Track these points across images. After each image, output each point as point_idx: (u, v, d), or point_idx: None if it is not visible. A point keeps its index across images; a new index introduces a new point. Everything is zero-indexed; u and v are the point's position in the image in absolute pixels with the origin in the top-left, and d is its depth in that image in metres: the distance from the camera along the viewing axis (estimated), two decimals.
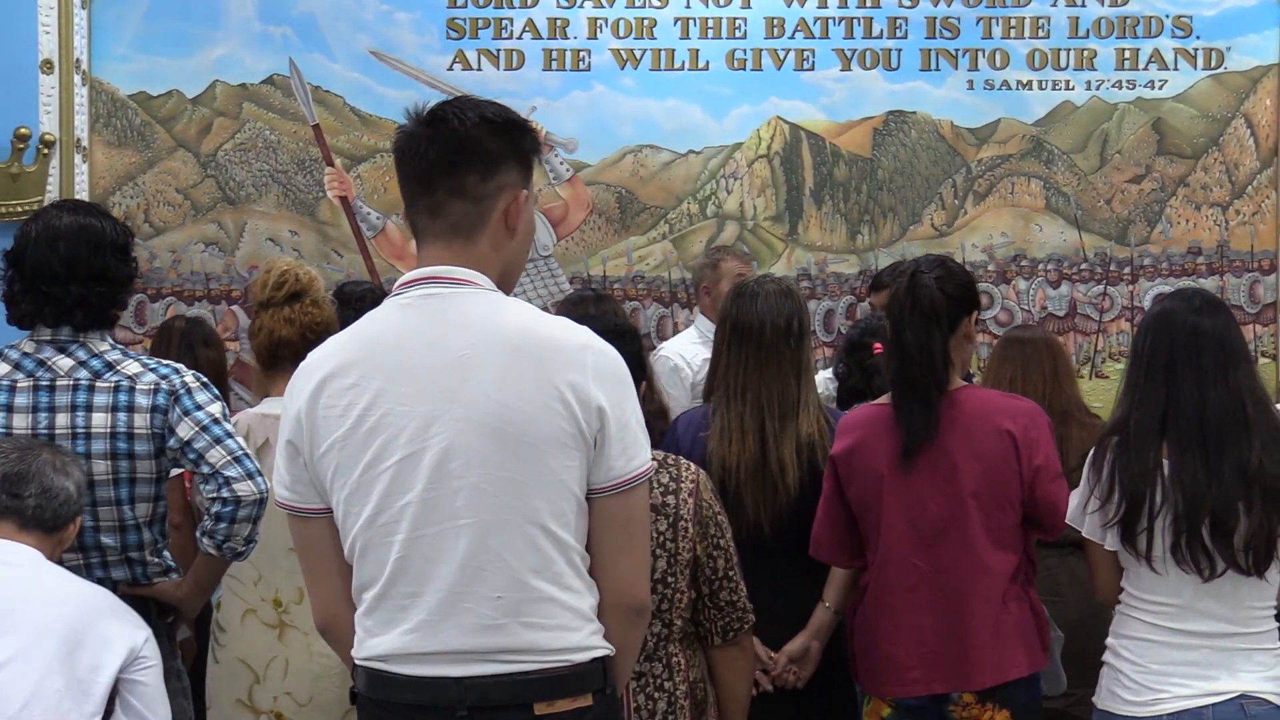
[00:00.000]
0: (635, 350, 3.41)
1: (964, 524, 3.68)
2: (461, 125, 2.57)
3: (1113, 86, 6.55)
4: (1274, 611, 3.49)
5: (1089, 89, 6.55)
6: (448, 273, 2.58)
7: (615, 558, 2.59)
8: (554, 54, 6.59)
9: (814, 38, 6.57)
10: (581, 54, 6.58)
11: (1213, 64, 6.52)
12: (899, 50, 6.56)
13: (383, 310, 2.63)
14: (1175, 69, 6.54)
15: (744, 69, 6.57)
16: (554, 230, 6.58)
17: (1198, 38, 6.53)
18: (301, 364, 2.65)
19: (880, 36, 6.56)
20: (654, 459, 3.29)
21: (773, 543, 3.89)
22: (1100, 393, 6.05)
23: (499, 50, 6.58)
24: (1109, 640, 3.57)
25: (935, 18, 6.56)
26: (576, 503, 2.54)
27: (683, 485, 3.33)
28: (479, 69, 6.57)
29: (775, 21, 6.57)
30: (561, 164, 6.58)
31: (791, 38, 6.57)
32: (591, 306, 4.75)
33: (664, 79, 6.57)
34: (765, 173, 6.59)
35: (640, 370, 3.42)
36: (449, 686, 2.50)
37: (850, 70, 6.56)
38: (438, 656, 2.51)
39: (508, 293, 2.65)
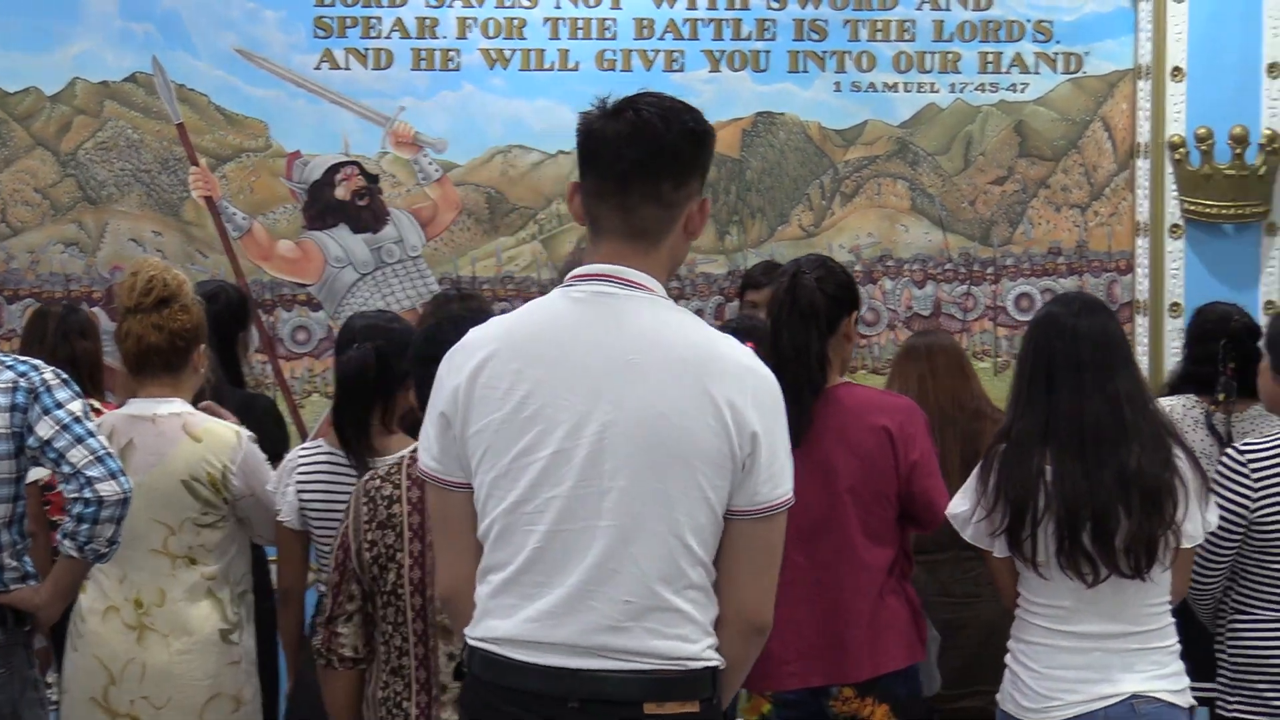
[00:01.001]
0: None
1: (841, 519, 3.71)
2: (667, 131, 2.59)
3: (976, 89, 6.65)
4: (1167, 608, 3.56)
5: (953, 91, 6.65)
6: (623, 273, 2.60)
7: (748, 579, 2.62)
8: (423, 53, 6.55)
9: (683, 39, 6.60)
10: (451, 54, 6.55)
11: (1072, 68, 6.65)
12: (767, 52, 6.61)
13: (552, 299, 2.66)
14: (1036, 73, 6.65)
15: (613, 69, 6.57)
16: (423, 231, 6.55)
17: (1058, 42, 6.65)
18: (462, 340, 2.67)
19: (749, 38, 6.61)
20: None
21: None
22: None
23: (367, 49, 6.53)
24: (1009, 643, 3.64)
25: (803, 20, 6.62)
26: (715, 520, 2.58)
27: None
28: (347, 68, 6.52)
29: (644, 23, 6.59)
30: (430, 164, 6.54)
31: (660, 39, 6.59)
32: (456, 305, 4.72)
33: (534, 79, 6.57)
34: None
35: None
36: (565, 677, 2.54)
37: (719, 71, 6.60)
38: (557, 648, 2.55)
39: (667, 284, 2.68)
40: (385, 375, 3.97)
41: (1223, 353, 4.95)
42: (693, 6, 6.59)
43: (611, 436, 2.53)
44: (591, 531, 2.54)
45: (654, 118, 2.59)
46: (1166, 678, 3.51)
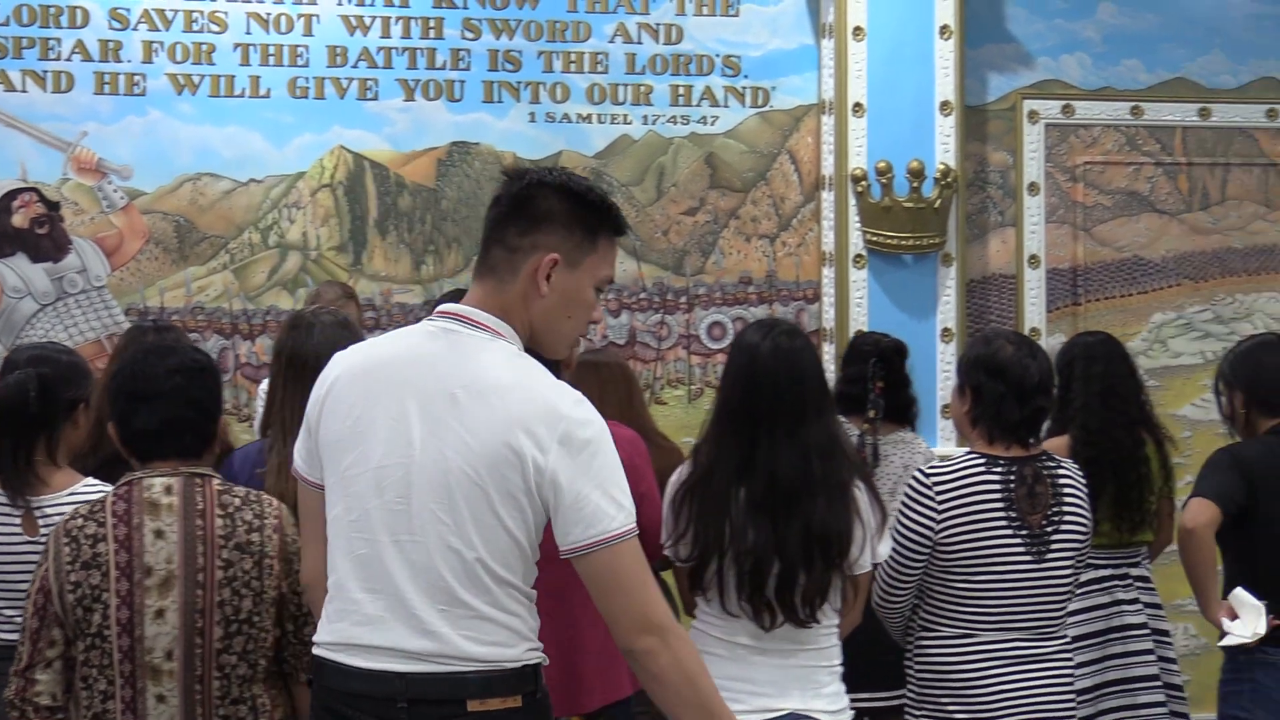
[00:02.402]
0: (212, 386, 3.42)
1: None
2: (520, 183, 2.82)
3: (668, 121, 6.79)
4: (835, 630, 3.68)
5: (646, 123, 6.77)
6: (474, 314, 2.81)
7: (603, 610, 2.77)
8: (106, 77, 6.36)
9: (377, 67, 6.56)
10: (136, 78, 6.37)
11: (760, 102, 6.84)
12: (462, 82, 6.62)
13: (412, 329, 2.91)
14: (726, 106, 6.83)
15: (306, 97, 6.50)
16: (107, 260, 6.34)
17: (746, 77, 6.84)
18: (336, 354, 2.93)
19: (443, 68, 6.61)
20: (236, 496, 3.24)
21: None
22: (660, 419, 6.18)
23: (46, 72, 6.30)
24: None
25: (497, 50, 6.66)
26: (519, 547, 2.75)
27: (267, 521, 3.29)
28: (24, 90, 6.29)
29: (338, 50, 6.53)
30: (115, 191, 6.34)
31: (354, 67, 6.54)
32: (152, 336, 4.57)
33: (224, 105, 6.44)
34: (329, 202, 6.53)
35: (217, 407, 3.42)
36: (392, 680, 2.71)
37: (413, 101, 6.58)
38: (383, 651, 2.72)
39: (548, 352, 2.90)
40: (48, 404, 3.82)
41: (872, 370, 5.13)
42: (387, 35, 6.56)
43: (427, 461, 2.71)
44: (405, 545, 2.72)
45: (519, 174, 2.87)
46: (824, 697, 3.64)
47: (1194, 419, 7.00)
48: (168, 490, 3.24)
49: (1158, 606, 5.30)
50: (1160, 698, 5.16)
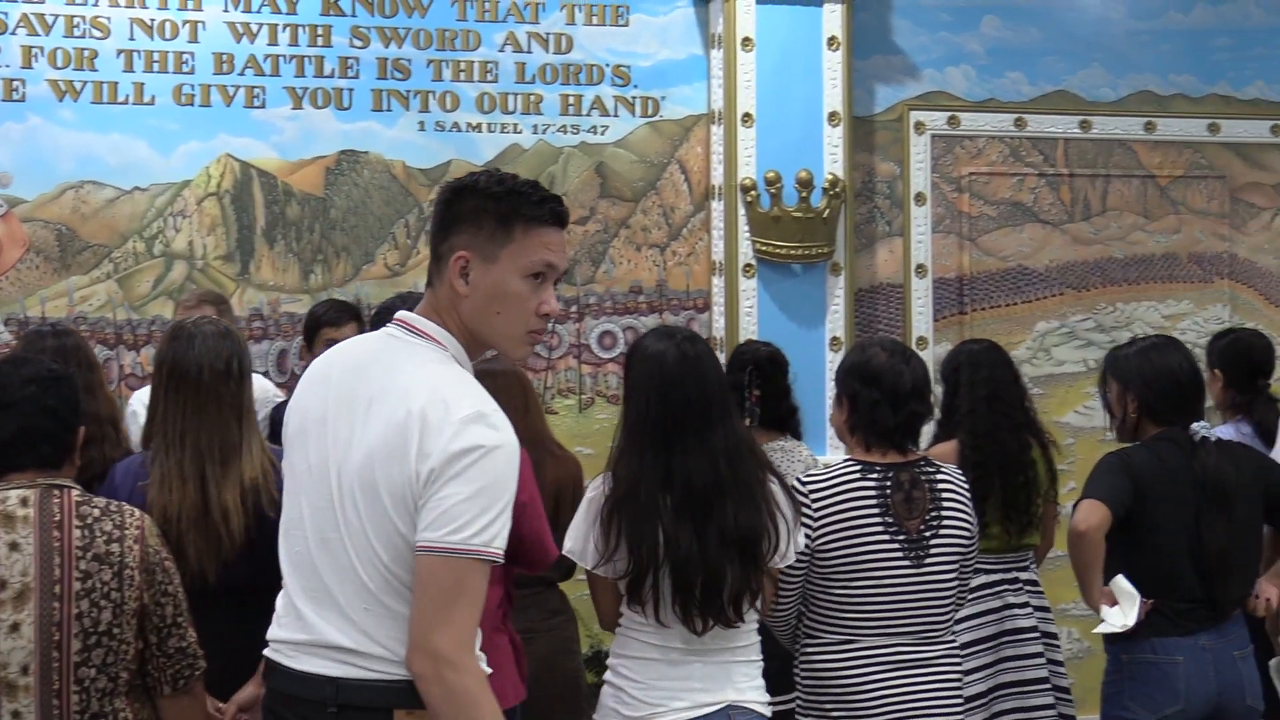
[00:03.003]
0: (69, 395, 3.37)
1: None
2: (440, 193, 2.91)
3: (558, 131, 6.79)
4: (756, 625, 3.72)
5: (536, 133, 6.76)
6: (415, 321, 2.86)
7: (413, 612, 2.69)
8: None
9: (264, 75, 6.50)
10: (15, 83, 6.27)
11: (650, 112, 6.87)
12: (350, 90, 6.58)
13: (371, 335, 2.98)
14: (616, 116, 6.84)
15: (192, 104, 6.43)
16: None
17: (636, 87, 6.86)
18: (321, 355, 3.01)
19: (332, 76, 6.56)
20: (96, 507, 3.19)
21: (217, 590, 3.78)
22: (552, 428, 6.15)
23: None
24: (610, 660, 3.72)
25: (386, 59, 6.62)
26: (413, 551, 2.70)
27: (127, 532, 3.26)
28: None
29: (224, 57, 6.46)
30: None
31: (241, 74, 6.48)
32: (51, 340, 4.49)
33: (107, 112, 6.35)
34: (215, 211, 6.45)
35: (75, 416, 3.36)
36: (324, 684, 2.73)
37: (302, 109, 6.53)
38: (317, 649, 2.75)
39: (505, 355, 3.02)
40: None
41: (748, 378, 5.17)
42: (274, 42, 6.50)
43: (341, 463, 2.76)
44: (330, 543, 2.75)
45: (443, 185, 2.94)
46: (756, 689, 3.69)
47: (1077, 426, 7.13)
48: (24, 502, 3.20)
49: (1046, 610, 5.38)
50: (1050, 700, 5.25)
